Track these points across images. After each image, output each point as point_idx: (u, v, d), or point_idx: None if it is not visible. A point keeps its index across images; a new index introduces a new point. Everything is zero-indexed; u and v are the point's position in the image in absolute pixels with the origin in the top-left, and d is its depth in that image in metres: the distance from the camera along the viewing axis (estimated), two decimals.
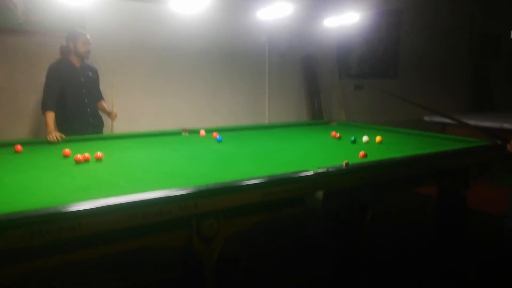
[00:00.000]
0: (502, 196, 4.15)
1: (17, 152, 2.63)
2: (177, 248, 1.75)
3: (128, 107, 4.22)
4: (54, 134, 3.00)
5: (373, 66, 6.38)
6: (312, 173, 1.91)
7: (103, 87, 3.69)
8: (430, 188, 2.94)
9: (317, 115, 5.63)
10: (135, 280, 2.37)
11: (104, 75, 3.73)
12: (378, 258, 2.51)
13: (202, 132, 3.43)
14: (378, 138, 3.02)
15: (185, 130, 3.53)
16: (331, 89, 5.94)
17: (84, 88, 3.39)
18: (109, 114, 3.56)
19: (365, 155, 2.41)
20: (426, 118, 5.32)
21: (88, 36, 3.35)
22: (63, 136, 3.07)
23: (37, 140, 3.01)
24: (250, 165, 2.32)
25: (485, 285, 2.41)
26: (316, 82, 5.74)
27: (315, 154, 2.69)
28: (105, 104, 3.62)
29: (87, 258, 1.55)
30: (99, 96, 3.60)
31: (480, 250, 2.89)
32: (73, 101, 3.34)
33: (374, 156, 2.36)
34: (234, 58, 5.12)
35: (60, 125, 3.32)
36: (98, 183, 1.91)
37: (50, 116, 3.18)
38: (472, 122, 4.77)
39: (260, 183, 1.78)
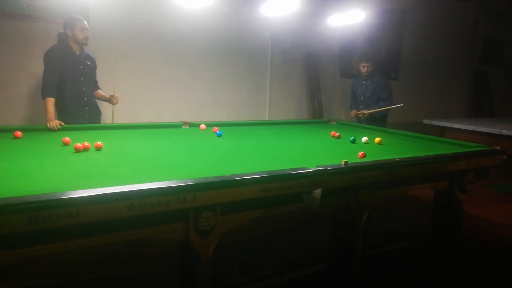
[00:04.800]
0: (498, 202, 4.19)
1: (16, 138, 2.63)
2: (173, 240, 1.75)
3: (129, 98, 4.21)
4: (54, 122, 3.00)
5: (375, 67, 6.37)
6: (311, 171, 1.92)
7: (105, 75, 3.68)
8: (427, 191, 2.95)
9: (317, 114, 5.64)
10: (130, 271, 2.38)
11: (106, 64, 3.72)
12: (371, 256, 2.52)
13: (203, 126, 3.43)
14: (377, 139, 3.03)
15: (185, 123, 3.53)
16: (332, 88, 5.94)
17: (82, 76, 3.37)
18: (109, 99, 3.51)
19: (364, 155, 2.42)
20: (425, 121, 5.33)
21: (85, 22, 3.31)
22: (63, 124, 3.06)
23: (36, 127, 3.00)
24: (249, 161, 2.32)
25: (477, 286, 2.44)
26: (318, 80, 5.74)
27: (314, 152, 2.69)
28: (102, 92, 3.59)
29: (83, 247, 1.55)
30: (96, 86, 3.59)
31: (473, 254, 2.90)
32: (71, 88, 3.31)
33: (373, 157, 2.37)
34: (237, 53, 5.11)
35: (57, 112, 3.31)
36: (97, 172, 1.91)
37: (51, 103, 3.16)
38: (471, 127, 4.79)
39: (259, 178, 1.79)
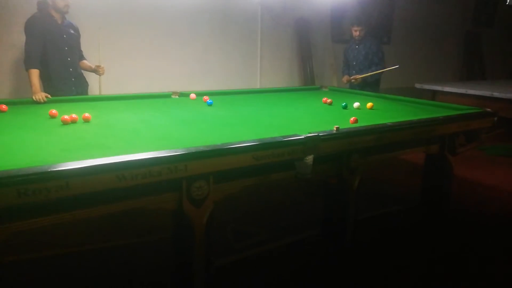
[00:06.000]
0: (489, 164, 4.25)
1: (1, 111, 2.57)
2: (167, 210, 1.76)
3: (116, 68, 4.10)
4: (40, 94, 2.93)
5: (368, 31, 6.27)
6: (303, 137, 1.91)
7: (89, 45, 3.56)
8: (418, 155, 2.97)
9: (309, 81, 5.58)
10: (124, 242, 2.39)
11: (90, 33, 3.59)
12: (363, 220, 2.57)
13: (193, 96, 3.38)
14: (369, 104, 3.02)
15: (175, 93, 3.47)
16: (324, 54, 5.85)
17: (66, 46, 3.26)
18: (95, 69, 3.42)
19: (356, 121, 2.41)
20: (417, 85, 5.31)
21: None
22: (49, 96, 2.99)
23: (22, 100, 2.93)
24: (241, 129, 2.30)
25: (465, 249, 2.50)
26: (309, 46, 5.64)
27: (306, 119, 2.67)
28: (88, 62, 3.50)
29: (75, 219, 1.54)
30: (81, 56, 3.48)
31: (463, 216, 2.97)
32: (55, 59, 3.20)
33: (365, 122, 2.36)
34: (226, 20, 4.97)
35: (43, 84, 3.21)
36: (86, 144, 1.89)
37: (35, 74, 3.07)
38: (462, 90, 4.79)
39: (251, 146, 1.78)
